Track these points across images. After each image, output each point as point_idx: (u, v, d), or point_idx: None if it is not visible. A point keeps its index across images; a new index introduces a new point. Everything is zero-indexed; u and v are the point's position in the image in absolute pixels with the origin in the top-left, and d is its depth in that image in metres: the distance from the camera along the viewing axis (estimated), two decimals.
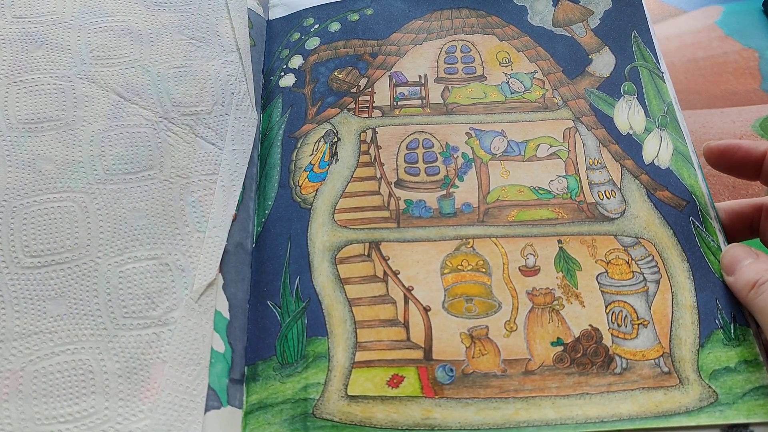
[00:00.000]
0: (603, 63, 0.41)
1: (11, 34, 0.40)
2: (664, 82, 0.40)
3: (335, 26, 0.43)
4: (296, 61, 0.42)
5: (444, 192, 0.36)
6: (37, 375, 0.30)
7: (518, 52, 0.42)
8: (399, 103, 0.40)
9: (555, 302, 0.32)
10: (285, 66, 0.42)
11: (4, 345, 0.30)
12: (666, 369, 0.30)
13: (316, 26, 0.44)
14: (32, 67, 0.38)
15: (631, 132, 0.38)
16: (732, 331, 0.31)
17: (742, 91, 0.45)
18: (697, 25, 0.49)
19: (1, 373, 0.29)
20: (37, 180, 0.35)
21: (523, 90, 0.40)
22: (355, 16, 0.44)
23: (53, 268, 0.32)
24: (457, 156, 0.38)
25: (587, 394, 0.30)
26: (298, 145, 0.39)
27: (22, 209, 0.34)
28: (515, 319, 0.32)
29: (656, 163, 0.37)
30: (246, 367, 0.32)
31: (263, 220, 0.36)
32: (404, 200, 0.36)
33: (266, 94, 0.41)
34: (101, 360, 0.30)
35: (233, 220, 0.35)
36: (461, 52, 0.42)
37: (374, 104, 0.40)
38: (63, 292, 0.32)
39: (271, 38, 0.44)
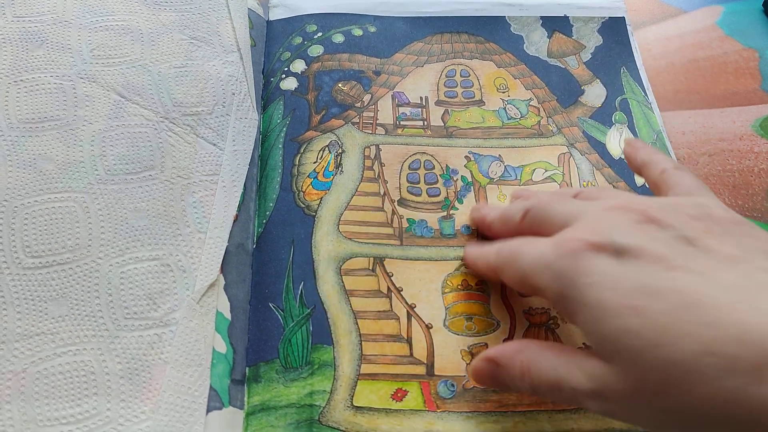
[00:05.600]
0: (595, 94, 0.43)
1: (11, 34, 0.38)
2: (653, 112, 0.42)
3: (339, 38, 0.44)
4: (298, 66, 0.43)
5: (444, 213, 0.38)
6: (39, 376, 0.30)
7: (515, 79, 0.43)
8: (402, 122, 0.41)
9: (551, 322, 0.34)
10: (286, 69, 0.42)
11: (6, 346, 0.30)
12: None
13: (320, 34, 0.44)
14: (33, 66, 0.38)
15: (623, 157, 0.40)
16: None
17: (742, 91, 0.45)
18: (697, 25, 0.49)
19: (2, 374, 0.29)
20: (37, 180, 0.34)
21: (519, 116, 0.42)
22: (359, 32, 0.44)
23: (54, 269, 0.32)
24: (457, 179, 0.39)
25: (581, 409, 0.32)
26: (301, 151, 0.39)
27: (23, 209, 0.33)
28: (513, 337, 0.34)
29: (647, 187, 0.38)
30: (247, 368, 0.33)
31: (264, 221, 0.37)
32: (407, 219, 0.38)
33: (266, 95, 0.42)
34: (103, 361, 0.31)
35: (234, 221, 0.35)
36: (461, 76, 0.43)
37: (378, 121, 0.41)
38: (64, 292, 0.32)
39: (271, 39, 0.44)
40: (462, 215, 0.38)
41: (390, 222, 0.38)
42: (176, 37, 0.41)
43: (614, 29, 0.46)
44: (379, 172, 0.39)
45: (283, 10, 0.45)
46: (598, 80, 0.44)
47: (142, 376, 0.31)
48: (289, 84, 0.42)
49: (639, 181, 0.39)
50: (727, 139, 0.43)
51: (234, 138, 0.38)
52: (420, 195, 0.38)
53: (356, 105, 0.41)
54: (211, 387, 0.31)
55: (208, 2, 0.42)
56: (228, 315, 0.33)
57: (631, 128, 0.42)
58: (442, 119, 0.41)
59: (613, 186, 0.39)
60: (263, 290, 0.35)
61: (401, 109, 0.42)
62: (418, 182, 0.39)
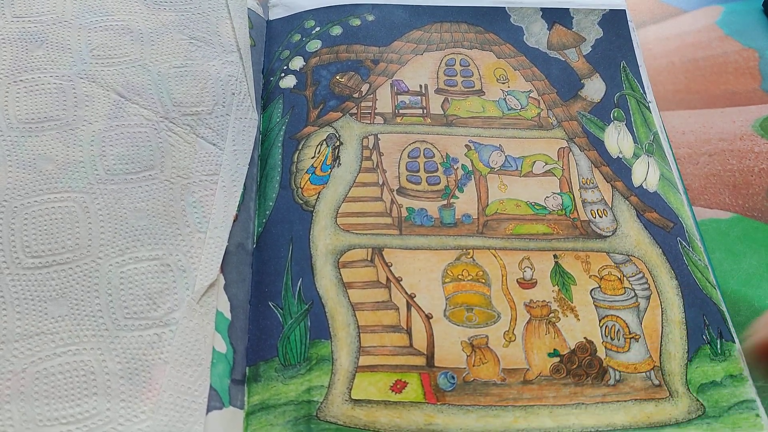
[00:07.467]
0: (594, 89, 0.43)
1: (11, 34, 0.39)
2: (650, 111, 0.42)
3: (337, 30, 0.44)
4: (297, 63, 0.43)
5: (445, 202, 0.38)
6: (39, 376, 0.30)
7: (515, 70, 0.43)
8: (400, 111, 0.41)
9: (551, 315, 0.34)
10: (285, 67, 0.43)
11: (6, 346, 0.30)
12: (657, 382, 0.32)
13: (318, 29, 0.44)
14: (32, 66, 0.38)
15: (620, 156, 0.40)
16: (718, 347, 0.34)
17: (742, 91, 0.46)
18: (697, 25, 0.49)
19: (2, 374, 0.29)
20: (37, 180, 0.34)
21: (519, 107, 0.42)
22: (356, 21, 0.45)
23: (54, 269, 0.32)
24: (457, 167, 0.39)
25: (583, 404, 0.32)
26: (300, 147, 0.39)
27: (23, 209, 0.33)
28: (514, 329, 0.34)
29: (644, 187, 0.39)
30: (247, 368, 0.33)
31: (264, 220, 0.37)
32: (406, 208, 0.37)
33: (266, 95, 0.42)
34: (102, 361, 0.30)
35: (234, 221, 0.35)
36: (460, 65, 0.43)
37: (376, 111, 0.41)
38: (64, 292, 0.32)
39: (271, 39, 0.44)
40: (463, 204, 0.38)
41: (389, 211, 0.37)
42: (176, 37, 0.41)
43: (615, 22, 0.46)
44: (377, 162, 0.39)
45: (282, 9, 0.45)
46: (598, 74, 0.44)
47: (141, 376, 0.30)
48: (288, 82, 0.42)
49: (636, 181, 0.39)
50: (727, 139, 0.43)
51: (234, 138, 0.38)
52: (420, 183, 0.38)
53: (354, 96, 0.42)
54: (211, 387, 0.31)
55: (208, 2, 0.43)
56: (228, 315, 0.33)
57: (629, 127, 0.42)
58: (442, 107, 0.41)
59: (612, 185, 0.39)
60: (263, 289, 0.35)
61: (400, 98, 0.42)
62: (418, 171, 0.39)
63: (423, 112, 0.41)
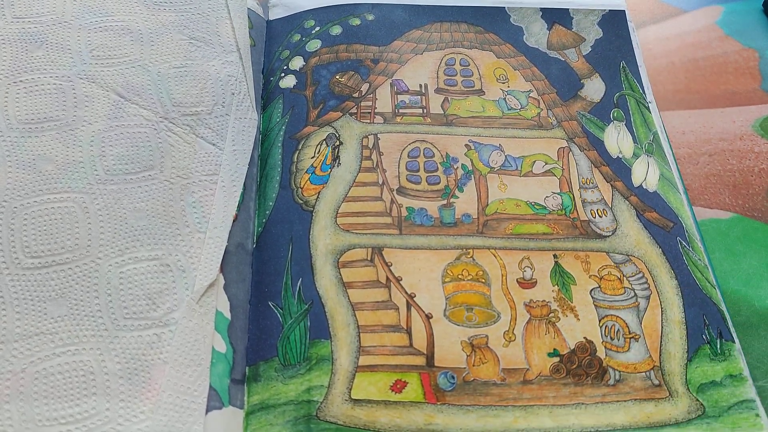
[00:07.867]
0: (594, 89, 0.43)
1: (11, 34, 0.39)
2: (650, 112, 0.42)
3: (336, 30, 0.44)
4: (297, 63, 0.43)
5: (445, 202, 0.38)
6: (38, 376, 0.30)
7: (514, 70, 0.43)
8: (400, 110, 0.41)
9: (551, 314, 0.34)
10: (285, 67, 0.43)
11: (5, 346, 0.30)
12: (656, 382, 0.33)
13: (317, 28, 0.44)
14: (32, 67, 0.38)
15: (620, 156, 0.40)
16: (718, 347, 0.34)
17: (742, 91, 0.46)
18: (697, 25, 0.50)
19: (2, 374, 0.29)
20: (37, 180, 0.34)
21: (519, 107, 0.42)
22: (356, 21, 0.45)
23: (54, 269, 0.32)
24: (457, 167, 0.39)
25: (582, 404, 0.32)
26: (300, 147, 0.39)
27: (23, 210, 0.33)
28: (514, 329, 0.34)
29: (644, 186, 0.39)
30: (247, 368, 0.33)
31: (264, 220, 0.37)
32: (406, 207, 0.38)
33: (266, 95, 0.42)
34: (102, 361, 0.30)
35: (234, 221, 0.35)
36: (460, 65, 0.43)
37: (376, 110, 0.41)
38: (63, 292, 0.32)
39: (271, 39, 0.44)
40: (462, 204, 0.38)
41: (389, 211, 0.37)
42: (175, 38, 0.41)
43: (614, 22, 0.46)
44: (377, 162, 0.39)
45: (282, 9, 0.45)
46: (598, 75, 0.44)
47: (141, 376, 0.30)
48: (288, 82, 0.42)
49: (636, 181, 0.39)
50: (728, 139, 0.43)
51: (233, 138, 0.38)
52: (419, 183, 0.38)
53: (354, 95, 0.42)
54: (210, 387, 0.31)
55: (208, 2, 0.43)
56: (228, 314, 0.33)
57: (629, 127, 0.42)
58: (442, 107, 0.41)
59: (611, 185, 0.39)
60: (263, 289, 0.35)
61: (400, 97, 0.42)
62: (418, 170, 0.39)
63: (423, 111, 0.41)
